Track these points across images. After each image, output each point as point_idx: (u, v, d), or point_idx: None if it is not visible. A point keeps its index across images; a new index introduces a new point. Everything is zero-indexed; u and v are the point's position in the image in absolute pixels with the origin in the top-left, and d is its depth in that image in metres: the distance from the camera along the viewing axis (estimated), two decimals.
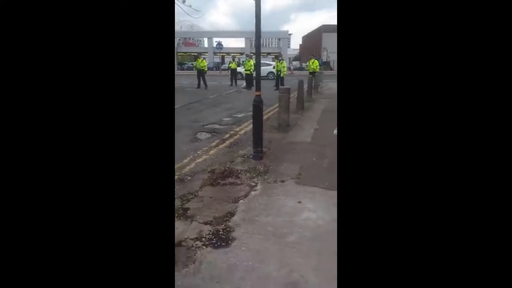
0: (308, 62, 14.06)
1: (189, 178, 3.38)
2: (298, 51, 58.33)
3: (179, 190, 3.02)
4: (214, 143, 4.87)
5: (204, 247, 2.08)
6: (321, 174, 3.33)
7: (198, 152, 4.38)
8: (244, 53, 31.61)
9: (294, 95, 8.19)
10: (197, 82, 13.22)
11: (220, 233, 2.24)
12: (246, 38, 35.54)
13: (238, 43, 39.65)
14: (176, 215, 2.48)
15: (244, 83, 14.07)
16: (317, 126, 5.77)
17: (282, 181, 3.19)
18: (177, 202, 2.71)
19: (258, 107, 3.71)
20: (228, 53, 34.15)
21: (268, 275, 1.81)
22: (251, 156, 3.93)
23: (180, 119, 6.68)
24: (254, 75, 5.63)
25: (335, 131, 5.22)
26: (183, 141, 4.91)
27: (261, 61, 4.19)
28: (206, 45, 43.21)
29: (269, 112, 7.50)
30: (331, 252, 1.97)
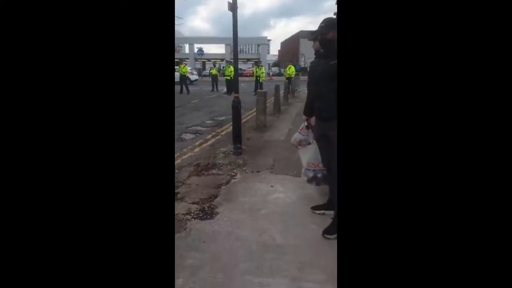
0: (285, 68, 14.81)
1: (177, 170, 3.85)
2: (277, 56, 59.42)
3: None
4: (197, 143, 5.35)
5: (192, 219, 2.57)
6: (291, 165, 3.87)
7: (184, 150, 4.85)
8: (224, 59, 32.15)
9: (271, 99, 8.79)
10: (179, 88, 13.60)
11: (205, 209, 2.73)
12: (226, 44, 36.10)
13: (218, 49, 40.14)
14: None
15: (224, 89, 14.61)
16: (291, 127, 6.34)
17: (258, 171, 3.71)
18: None
19: (236, 107, 4.23)
20: (209, 59, 34.60)
21: (244, 237, 2.32)
22: (232, 152, 4.44)
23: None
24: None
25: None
26: None
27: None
28: (187, 51, 43.45)
29: (248, 115, 8.05)
30: (296, 222, 2.52)
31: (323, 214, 2.59)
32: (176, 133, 6.04)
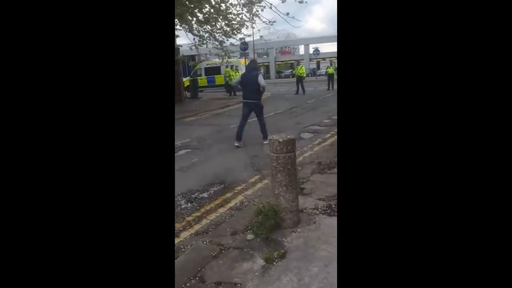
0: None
1: (299, 168, 4.02)
2: None
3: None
4: (316, 142, 5.44)
5: (320, 214, 2.65)
6: None
7: (304, 148, 5.01)
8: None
9: None
10: (295, 89, 13.99)
11: (332, 206, 2.78)
12: None
13: (333, 47, 39.33)
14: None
15: None
16: None
17: None
18: None
19: None
20: (323, 58, 34.28)
21: None
22: None
23: (284, 122, 7.47)
24: None
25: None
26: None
27: None
28: (302, 52, 44.15)
29: None
30: None
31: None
32: (295, 132, 6.26)
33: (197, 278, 1.98)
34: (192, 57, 18.94)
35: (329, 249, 2.13)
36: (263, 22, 10.15)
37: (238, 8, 9.90)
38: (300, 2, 8.66)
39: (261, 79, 5.06)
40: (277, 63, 38.51)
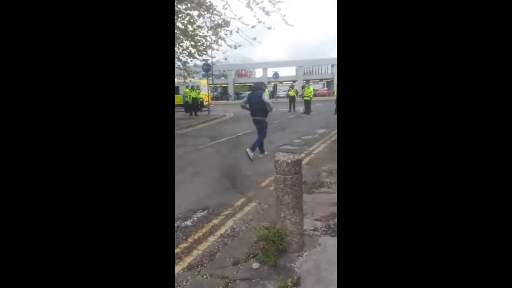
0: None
1: None
2: None
3: None
4: None
5: (323, 235, 2.53)
6: None
7: None
8: (296, 80, 32.64)
9: None
10: None
11: (331, 226, 2.67)
12: (298, 67, 36.78)
13: (288, 71, 41.05)
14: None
15: (301, 109, 14.70)
16: None
17: None
18: None
19: None
20: (281, 82, 35.50)
21: None
22: (335, 171, 4.34)
23: None
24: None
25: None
26: (267, 159, 5.53)
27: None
28: (256, 75, 45.35)
29: (333, 136, 7.87)
30: None
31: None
32: (269, 152, 6.19)
33: None
34: None
35: None
36: (228, 45, 10.15)
37: (203, 31, 9.81)
38: (269, 28, 8.87)
39: (265, 97, 5.40)
40: (235, 85, 39.03)
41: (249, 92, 6.07)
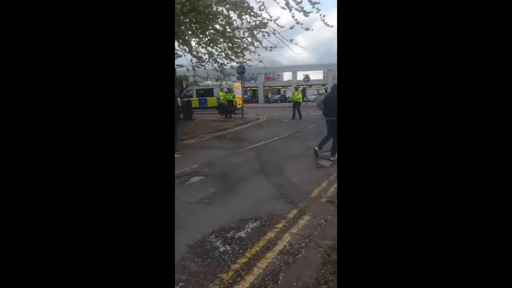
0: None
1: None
2: None
3: (335, 210, 3.27)
4: None
5: None
6: None
7: (331, 177, 4.63)
8: (326, 84, 32.04)
9: None
10: (292, 114, 13.83)
11: None
12: (328, 70, 36.16)
13: (317, 75, 40.47)
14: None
15: None
16: None
17: None
18: None
19: None
20: (310, 85, 34.99)
21: None
22: None
23: (295, 148, 7.13)
24: None
25: None
26: (311, 167, 5.28)
27: None
28: (285, 78, 45.04)
29: None
30: None
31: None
32: (310, 158, 5.94)
33: None
34: (184, 79, 18.70)
35: None
36: (264, 47, 9.96)
37: (240, 32, 9.68)
38: (307, 29, 8.60)
39: None
40: (265, 88, 38.92)
41: (326, 93, 6.42)
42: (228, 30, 9.51)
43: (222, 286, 2.17)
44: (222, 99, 15.04)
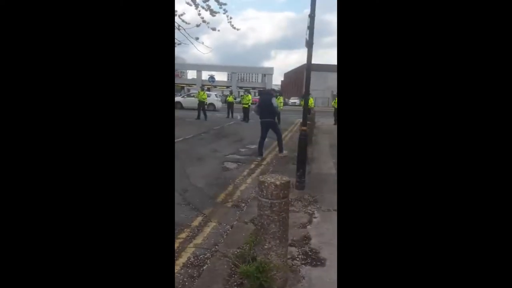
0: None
1: (243, 204, 3.62)
2: (279, 86, 60.75)
3: (241, 215, 3.25)
4: (245, 173, 5.13)
5: (303, 265, 2.32)
6: None
7: (236, 181, 4.63)
8: (230, 86, 32.65)
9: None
10: (196, 114, 13.53)
11: (308, 253, 2.49)
12: (233, 73, 36.86)
13: (221, 76, 40.91)
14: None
15: (239, 116, 14.61)
16: (334, 160, 6.19)
17: (336, 210, 3.49)
18: (251, 226, 2.94)
19: (304, 140, 4.08)
20: (215, 86, 35.08)
21: None
22: (293, 185, 4.21)
23: (200, 149, 6.94)
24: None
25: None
26: (217, 169, 5.19)
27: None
28: (189, 76, 44.11)
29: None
30: None
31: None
32: (217, 161, 5.85)
33: None
34: None
35: None
36: None
37: None
38: (213, 29, 8.51)
39: (274, 102, 6.03)
40: None
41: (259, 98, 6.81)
42: None
43: (234, 184, 1.90)
44: None
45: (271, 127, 6.10)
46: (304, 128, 4.09)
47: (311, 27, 3.74)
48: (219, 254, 2.46)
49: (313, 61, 4.03)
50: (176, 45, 9.57)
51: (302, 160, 4.11)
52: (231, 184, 4.44)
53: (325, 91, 32.00)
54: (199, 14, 8.14)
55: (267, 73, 39.71)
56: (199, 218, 3.27)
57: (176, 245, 2.70)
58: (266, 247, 2.00)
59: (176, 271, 2.31)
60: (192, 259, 2.49)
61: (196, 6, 8.13)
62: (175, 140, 7.89)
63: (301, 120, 4.18)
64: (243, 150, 7.17)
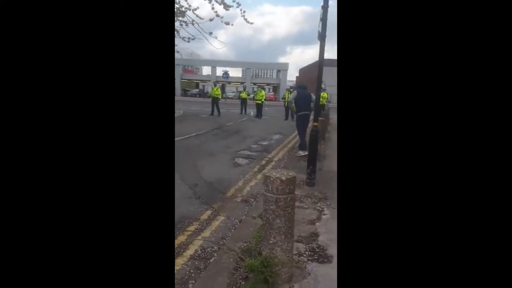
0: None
1: (252, 200, 3.63)
2: (293, 82, 60.30)
3: (249, 210, 3.26)
4: (255, 169, 5.14)
5: (310, 261, 2.30)
6: None
7: (247, 176, 4.64)
8: (244, 82, 32.63)
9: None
10: (210, 109, 13.62)
11: (316, 250, 2.47)
12: (247, 69, 36.77)
13: (238, 73, 40.88)
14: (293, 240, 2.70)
15: (252, 112, 14.60)
16: None
17: None
18: (259, 221, 2.94)
19: (315, 136, 4.04)
20: (229, 82, 35.15)
21: None
22: (303, 182, 4.18)
23: (212, 144, 6.98)
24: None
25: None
26: (228, 165, 5.21)
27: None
28: (204, 72, 44.29)
29: (290, 141, 7.85)
30: None
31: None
32: (228, 156, 5.88)
33: None
34: None
35: None
36: (181, 37, 9.53)
37: None
38: (227, 24, 8.51)
39: (313, 96, 5.83)
40: (182, 80, 37.56)
41: (294, 91, 6.43)
42: None
43: (244, 180, 1.94)
44: None
45: (306, 120, 5.99)
46: (316, 124, 4.04)
47: (324, 19, 3.67)
48: (226, 248, 2.47)
49: (329, 56, 3.97)
50: (190, 40, 9.64)
51: (312, 156, 4.07)
52: (241, 180, 4.45)
53: None
54: (213, 8, 8.15)
55: (282, 68, 39.38)
56: (208, 212, 3.30)
57: (184, 237, 2.74)
58: (271, 242, 2.00)
59: (183, 262, 2.35)
60: (199, 251, 2.51)
61: (210, 0, 8.14)
62: (188, 136, 7.98)
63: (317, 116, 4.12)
64: (254, 146, 7.17)
